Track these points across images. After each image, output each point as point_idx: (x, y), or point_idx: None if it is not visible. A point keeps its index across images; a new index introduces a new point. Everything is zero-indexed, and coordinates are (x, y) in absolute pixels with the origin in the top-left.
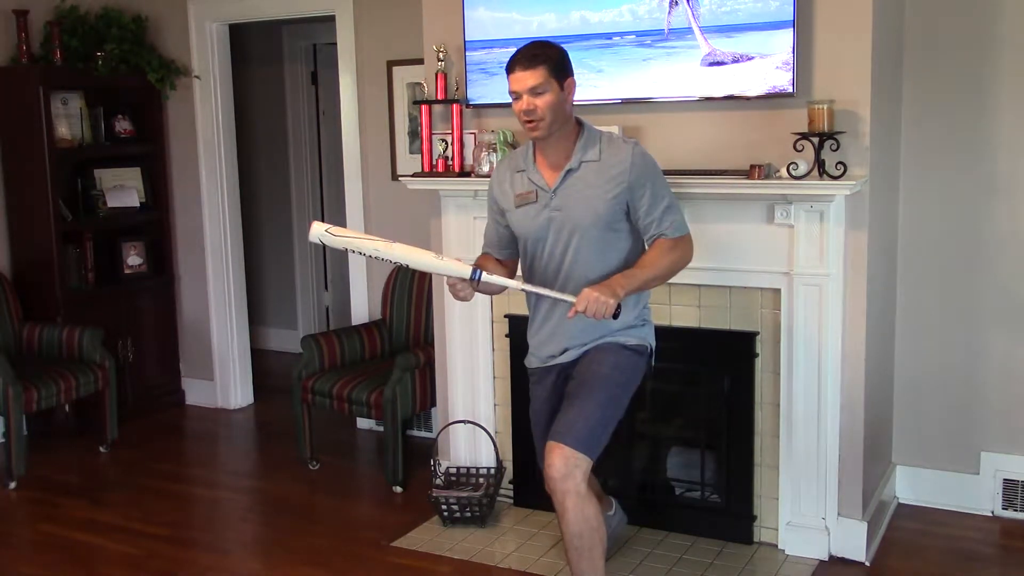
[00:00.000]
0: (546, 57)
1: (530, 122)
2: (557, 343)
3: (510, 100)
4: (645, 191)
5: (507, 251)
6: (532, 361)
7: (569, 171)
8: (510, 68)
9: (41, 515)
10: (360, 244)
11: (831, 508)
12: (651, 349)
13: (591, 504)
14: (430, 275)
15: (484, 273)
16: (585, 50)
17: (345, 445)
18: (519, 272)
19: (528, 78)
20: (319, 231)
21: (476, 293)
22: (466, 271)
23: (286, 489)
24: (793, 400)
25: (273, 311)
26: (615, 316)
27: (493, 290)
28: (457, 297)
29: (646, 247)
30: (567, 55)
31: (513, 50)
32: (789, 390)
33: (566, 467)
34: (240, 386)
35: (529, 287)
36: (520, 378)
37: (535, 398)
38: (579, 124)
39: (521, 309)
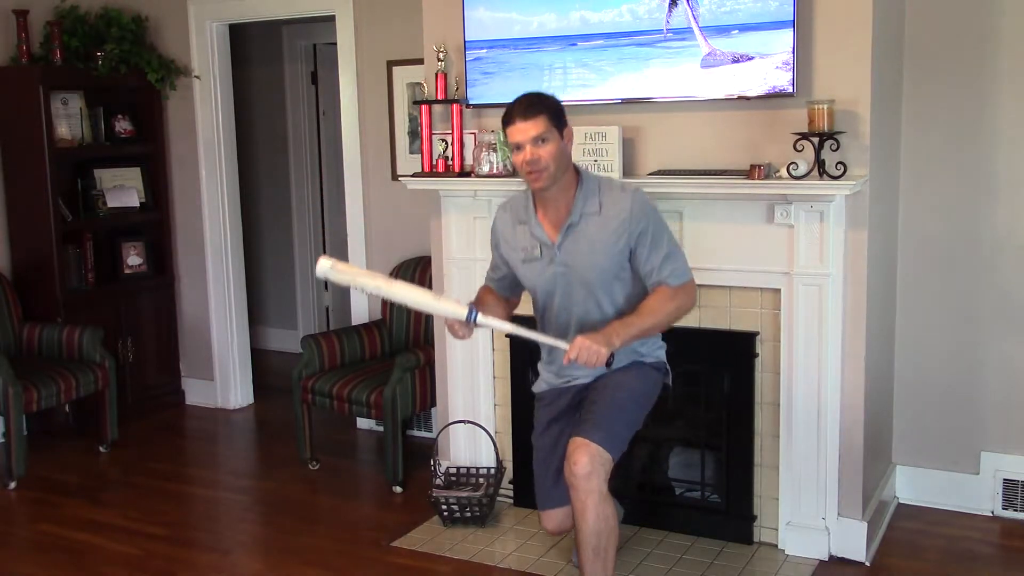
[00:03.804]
0: (545, 106)
1: (533, 172)
2: (567, 370)
3: (510, 101)
4: (645, 239)
5: (508, 292)
6: (542, 385)
7: (571, 226)
8: (508, 120)
9: (41, 515)
10: (363, 282)
11: (831, 508)
12: (667, 369)
13: (610, 504)
14: (430, 275)
15: (480, 315)
16: (585, 50)
17: (345, 445)
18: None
19: (530, 128)
20: (325, 267)
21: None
22: (462, 312)
23: (286, 489)
24: (793, 400)
25: (273, 311)
26: (608, 365)
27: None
28: (456, 337)
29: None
30: (562, 104)
31: (515, 100)
32: (789, 390)
33: (591, 465)
34: (240, 386)
35: (522, 332)
36: (520, 378)
37: (541, 423)
38: (576, 172)
39: (521, 310)
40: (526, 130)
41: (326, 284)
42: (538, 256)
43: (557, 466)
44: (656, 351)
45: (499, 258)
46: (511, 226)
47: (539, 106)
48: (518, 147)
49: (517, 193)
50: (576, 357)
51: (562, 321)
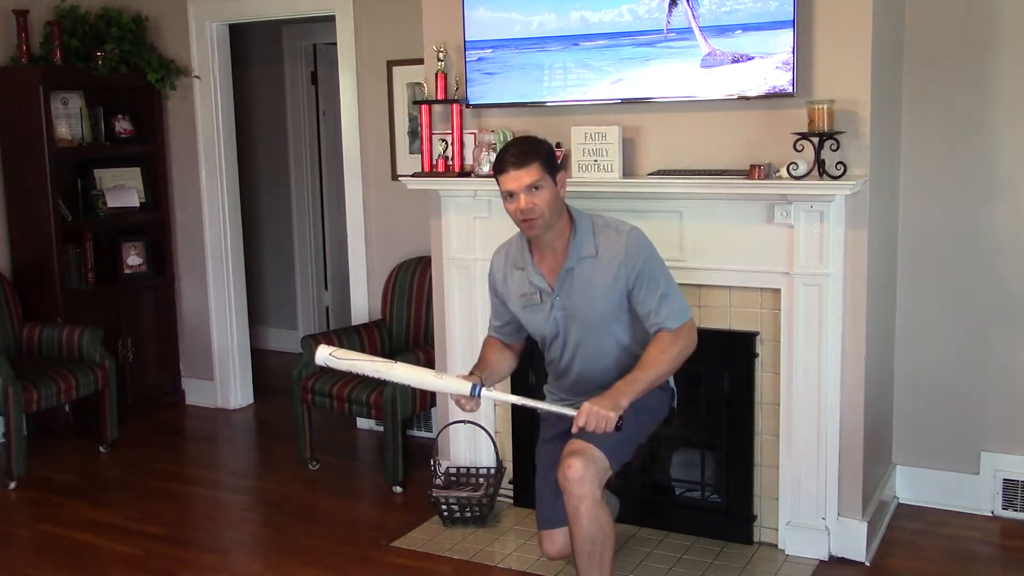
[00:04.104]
0: (537, 153)
1: (527, 220)
2: (577, 396)
3: (510, 101)
4: (642, 280)
5: (512, 337)
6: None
7: (568, 271)
8: (500, 168)
9: (41, 515)
10: (363, 366)
11: (831, 508)
12: (673, 390)
13: (605, 510)
14: (430, 275)
15: (484, 389)
16: (585, 50)
17: (345, 445)
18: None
19: (524, 176)
20: (324, 355)
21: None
22: (466, 388)
23: (286, 489)
24: (793, 400)
25: (273, 311)
26: (617, 428)
27: (501, 375)
28: (463, 410)
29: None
30: (554, 149)
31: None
32: (789, 390)
33: (584, 469)
34: (240, 386)
35: (528, 403)
36: (520, 379)
37: (543, 440)
38: (570, 215)
39: None
40: (519, 179)
41: (326, 284)
42: (538, 302)
43: (555, 485)
44: None
45: (499, 304)
46: (508, 272)
47: (532, 154)
48: (511, 195)
49: (512, 237)
50: (584, 424)
51: (565, 362)
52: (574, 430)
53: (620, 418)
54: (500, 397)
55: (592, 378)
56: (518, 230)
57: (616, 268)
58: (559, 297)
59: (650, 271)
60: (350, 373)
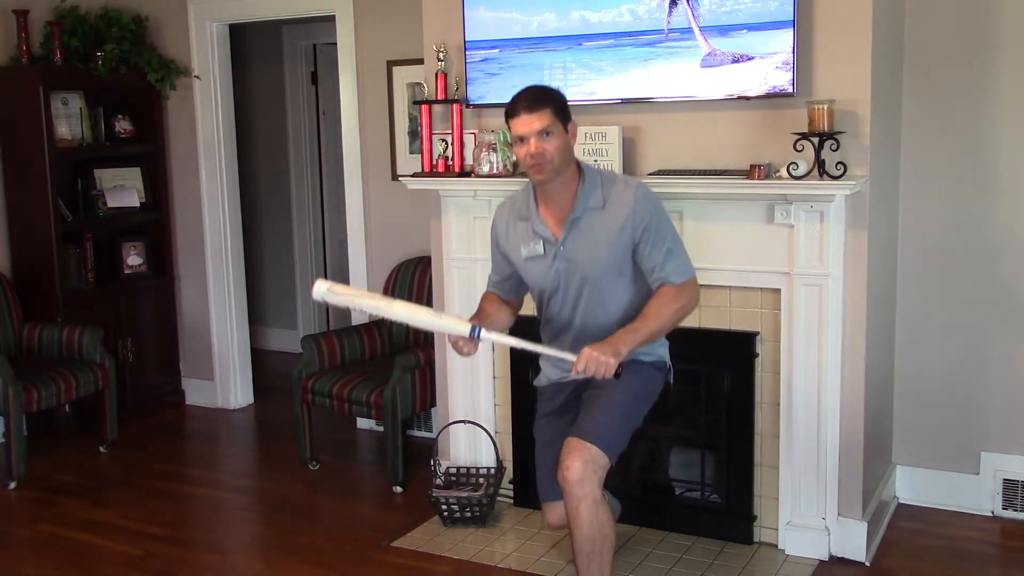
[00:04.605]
0: (550, 100)
1: (536, 165)
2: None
3: (510, 100)
4: (649, 235)
5: (512, 293)
6: (543, 380)
7: (574, 220)
8: (512, 112)
9: (41, 515)
10: (361, 302)
11: (831, 508)
12: (669, 367)
13: (605, 509)
14: (430, 275)
15: (483, 330)
16: (585, 50)
17: (345, 445)
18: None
19: (535, 121)
20: (322, 289)
21: (480, 346)
22: (465, 328)
23: (286, 489)
24: (793, 400)
25: (273, 311)
26: (617, 375)
27: (499, 329)
28: (461, 353)
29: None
30: (566, 98)
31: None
32: (789, 390)
33: (583, 470)
34: (240, 386)
35: (528, 346)
36: (520, 378)
37: (540, 416)
38: (578, 167)
39: (522, 310)
40: (530, 123)
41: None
42: (541, 252)
43: (553, 456)
44: (658, 349)
45: (500, 258)
46: (511, 223)
47: (545, 99)
48: (522, 140)
49: (516, 191)
50: (584, 369)
51: (564, 318)
52: (573, 373)
53: (620, 365)
54: (499, 339)
55: (592, 335)
56: (524, 189)
57: (623, 220)
58: (563, 248)
59: (658, 225)
60: (350, 370)
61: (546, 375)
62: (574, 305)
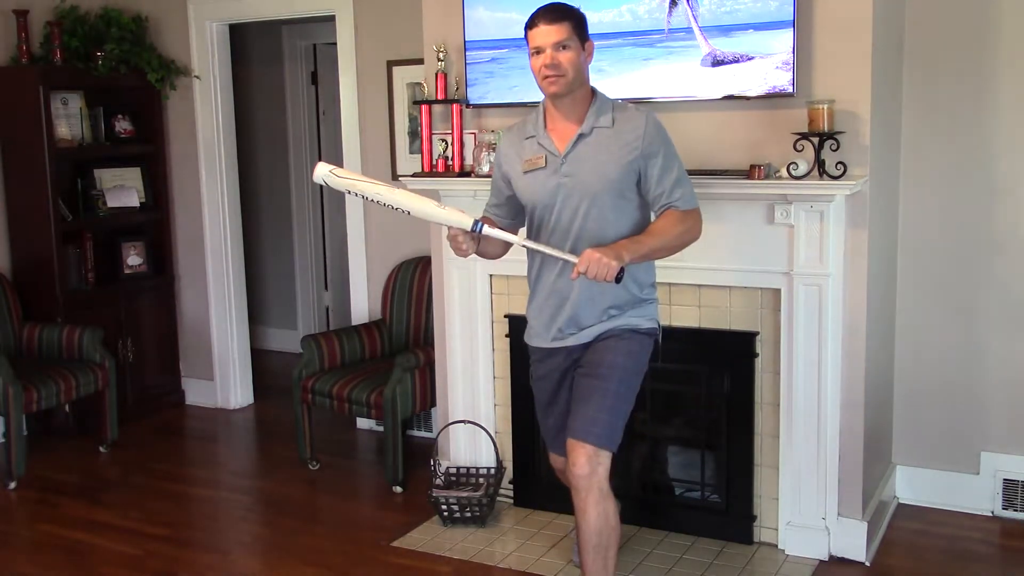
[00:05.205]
0: (570, 15)
1: (550, 77)
2: (562, 316)
3: (510, 101)
4: (657, 160)
5: (508, 220)
6: (534, 339)
7: (581, 136)
8: (532, 24)
9: (41, 515)
10: (363, 187)
11: (831, 508)
12: (659, 327)
13: (612, 502)
14: (430, 275)
15: (486, 226)
16: None
17: (345, 445)
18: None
19: (553, 32)
20: (323, 172)
21: (474, 253)
22: (467, 222)
23: (286, 489)
24: (793, 400)
25: (273, 311)
26: (618, 280)
27: (493, 251)
28: (458, 251)
29: (653, 218)
30: (586, 17)
31: (527, 12)
32: (789, 390)
33: (590, 466)
34: (240, 386)
35: (530, 243)
36: (520, 379)
37: (539, 377)
38: (591, 90)
39: (521, 309)
40: (548, 34)
41: (326, 284)
42: (541, 165)
43: (554, 423)
44: (649, 308)
45: (500, 179)
46: (517, 143)
47: (565, 14)
48: (538, 51)
49: (526, 116)
50: (586, 270)
51: (555, 240)
52: (573, 276)
53: (621, 270)
54: (500, 235)
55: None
56: (534, 111)
57: (632, 142)
58: (565, 162)
59: (667, 152)
60: (350, 370)
61: (536, 333)
62: (568, 225)
